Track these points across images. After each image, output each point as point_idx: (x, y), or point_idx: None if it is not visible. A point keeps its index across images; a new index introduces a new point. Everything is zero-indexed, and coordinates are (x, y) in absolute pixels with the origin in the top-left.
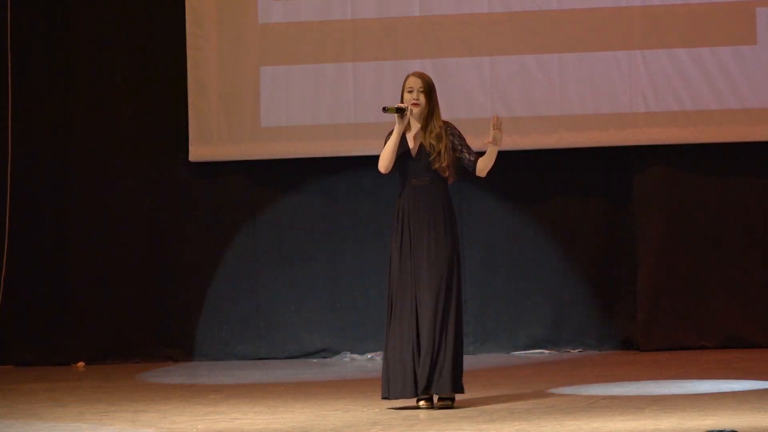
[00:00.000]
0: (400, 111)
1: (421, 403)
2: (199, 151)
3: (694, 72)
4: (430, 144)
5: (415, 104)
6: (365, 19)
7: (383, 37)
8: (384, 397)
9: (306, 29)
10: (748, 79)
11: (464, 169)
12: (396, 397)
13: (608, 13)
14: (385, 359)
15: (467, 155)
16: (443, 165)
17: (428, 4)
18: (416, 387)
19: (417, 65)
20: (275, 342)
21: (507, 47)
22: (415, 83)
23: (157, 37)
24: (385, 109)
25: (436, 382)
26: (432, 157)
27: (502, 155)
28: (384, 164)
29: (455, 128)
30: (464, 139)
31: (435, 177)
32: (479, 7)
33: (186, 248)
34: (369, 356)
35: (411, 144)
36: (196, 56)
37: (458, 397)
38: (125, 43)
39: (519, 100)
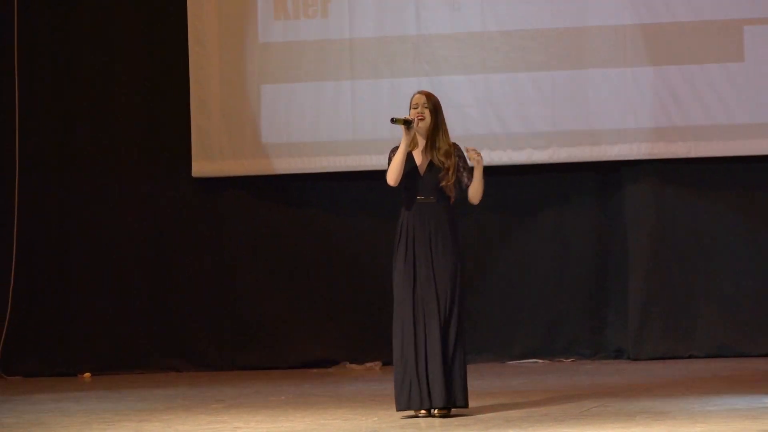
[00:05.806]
0: (407, 123)
1: (421, 411)
2: (201, 166)
3: (684, 88)
4: (440, 160)
5: (420, 118)
6: (363, 38)
7: (380, 56)
8: (399, 409)
9: (305, 48)
10: (736, 95)
11: (462, 191)
12: (416, 408)
13: (599, 32)
14: (398, 372)
15: (466, 179)
16: (450, 183)
17: (424, 23)
18: (430, 398)
19: (413, 83)
20: (276, 352)
21: (501, 65)
22: (420, 99)
23: (160, 56)
24: (393, 120)
25: (449, 395)
26: (441, 174)
27: (498, 170)
28: (393, 177)
29: (461, 150)
30: (467, 163)
31: (440, 195)
32: (474, 26)
33: (188, 262)
34: (368, 366)
35: (418, 161)
36: (198, 74)
37: None
38: (129, 61)
39: (513, 117)
